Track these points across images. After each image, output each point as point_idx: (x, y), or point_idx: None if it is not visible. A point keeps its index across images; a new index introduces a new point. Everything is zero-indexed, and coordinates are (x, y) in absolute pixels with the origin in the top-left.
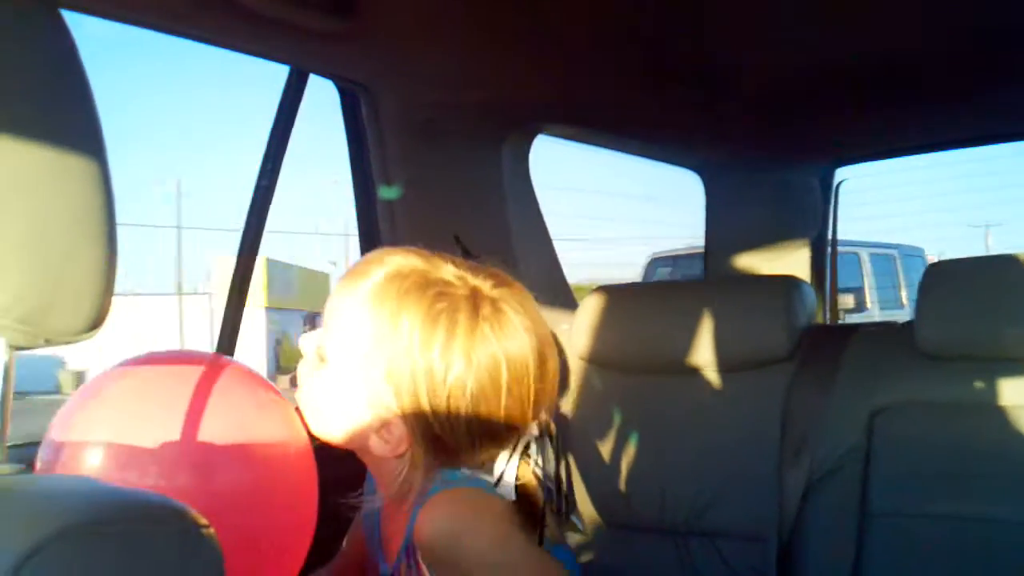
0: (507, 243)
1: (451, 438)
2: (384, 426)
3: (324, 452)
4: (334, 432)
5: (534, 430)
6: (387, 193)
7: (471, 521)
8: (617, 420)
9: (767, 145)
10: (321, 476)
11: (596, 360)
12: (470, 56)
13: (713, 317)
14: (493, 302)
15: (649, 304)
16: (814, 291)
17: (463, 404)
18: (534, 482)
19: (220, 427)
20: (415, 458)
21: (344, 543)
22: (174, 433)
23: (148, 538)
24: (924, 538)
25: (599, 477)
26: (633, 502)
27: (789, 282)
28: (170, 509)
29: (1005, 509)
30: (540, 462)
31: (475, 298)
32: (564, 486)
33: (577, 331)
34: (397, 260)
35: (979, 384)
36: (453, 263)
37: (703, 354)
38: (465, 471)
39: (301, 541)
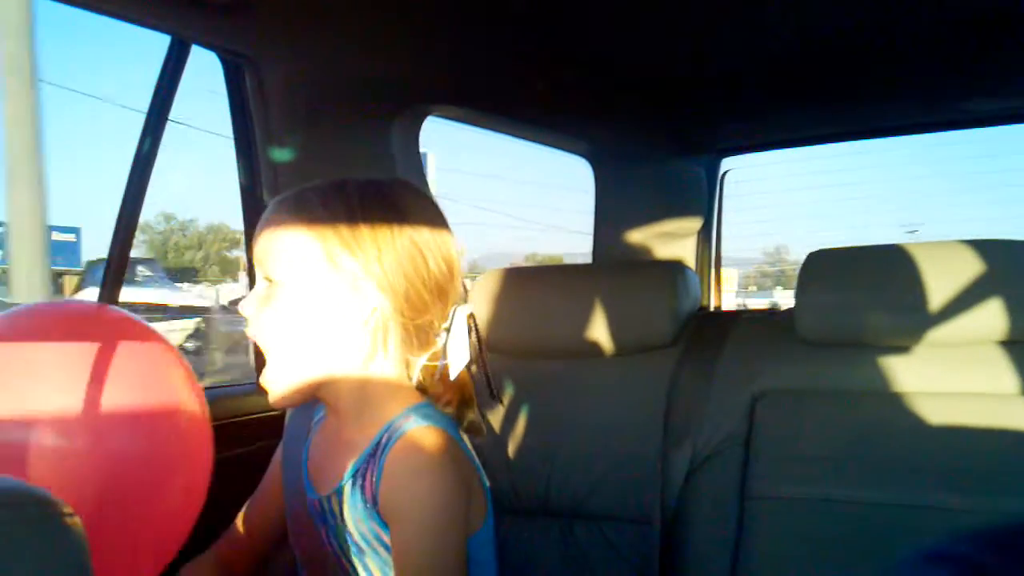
0: None
1: (412, 291)
2: (354, 298)
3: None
4: (302, 363)
5: (463, 308)
6: (279, 156)
7: (438, 469)
8: (504, 404)
9: (655, 133)
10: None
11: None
12: (358, 33)
13: (599, 302)
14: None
15: (536, 288)
16: (699, 277)
17: (412, 255)
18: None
19: (114, 382)
20: (384, 325)
21: (236, 521)
22: (67, 390)
23: (5, 525)
24: (803, 521)
25: (484, 462)
26: (519, 487)
27: (674, 268)
28: (29, 495)
29: (881, 493)
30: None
31: (374, 183)
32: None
33: None
34: (289, 192)
35: (857, 371)
36: None
37: (589, 338)
38: (434, 415)
39: (196, 493)
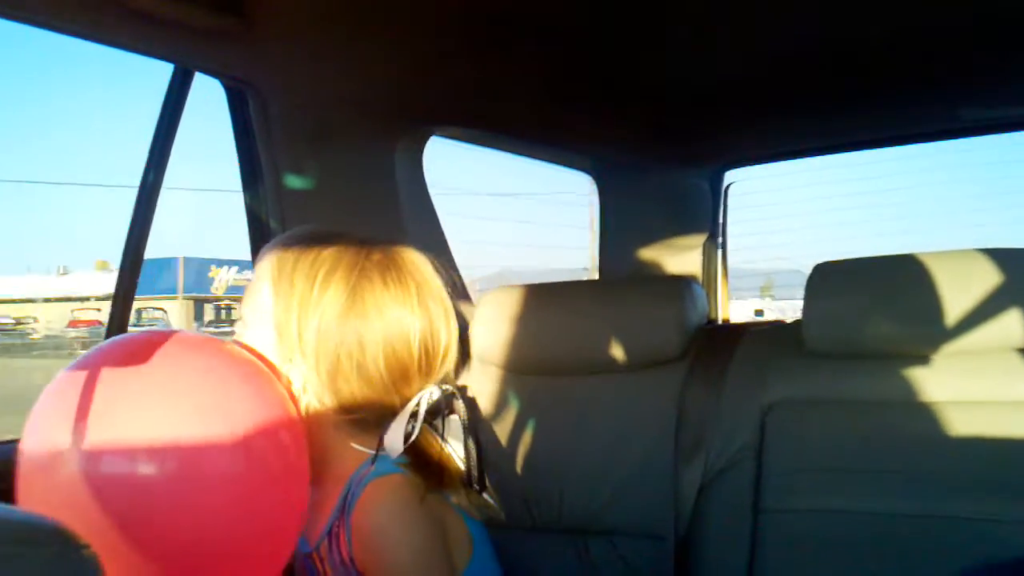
0: (402, 244)
1: (343, 383)
2: (291, 366)
3: None
4: None
5: (434, 394)
6: (293, 183)
7: (403, 513)
8: (514, 422)
9: (658, 147)
10: None
11: (493, 361)
12: (360, 57)
13: (607, 318)
14: (383, 257)
15: (544, 305)
16: (705, 291)
17: (350, 349)
18: (435, 445)
19: (210, 407)
20: (322, 413)
21: None
22: (164, 418)
23: (20, 561)
24: (816, 533)
25: (496, 480)
26: (531, 504)
27: (681, 282)
28: (45, 530)
29: (894, 503)
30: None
31: (366, 250)
32: (473, 458)
33: (475, 333)
34: (296, 230)
35: (867, 381)
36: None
37: (597, 355)
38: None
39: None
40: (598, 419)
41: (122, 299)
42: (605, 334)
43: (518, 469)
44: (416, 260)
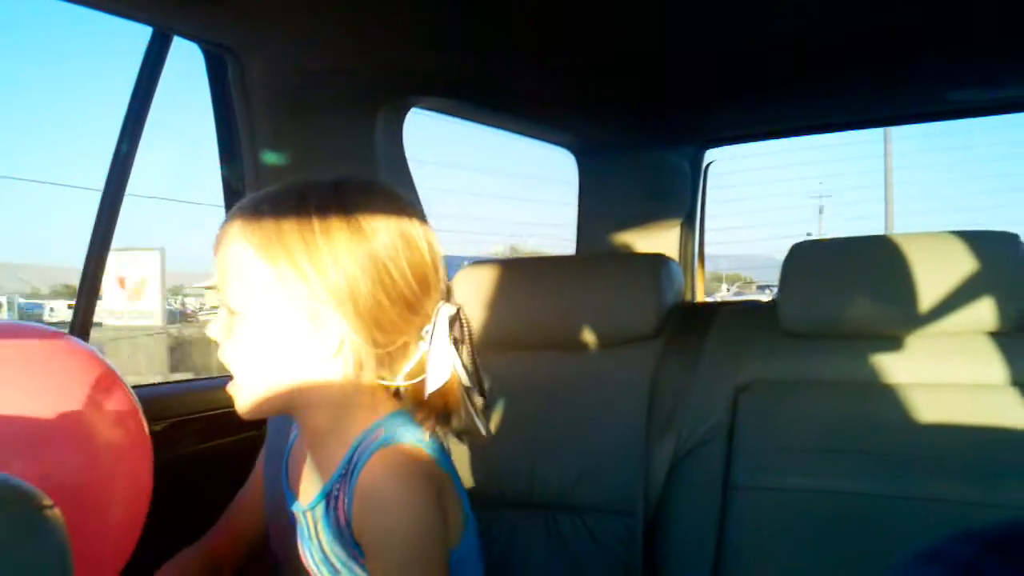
0: None
1: (381, 313)
2: (319, 331)
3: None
4: (276, 390)
5: (446, 311)
6: (270, 151)
7: (408, 491)
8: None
9: (638, 124)
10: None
11: None
12: (341, 24)
13: (582, 294)
14: (348, 182)
15: (519, 281)
16: (682, 269)
17: (375, 272)
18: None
19: (52, 408)
20: (356, 355)
21: (223, 518)
22: (7, 412)
23: None
24: (785, 512)
25: (469, 455)
26: (503, 479)
27: (657, 260)
28: (9, 488)
29: (864, 483)
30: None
31: (338, 189)
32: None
33: None
34: (247, 198)
35: (840, 362)
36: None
37: (571, 331)
38: (397, 421)
39: (134, 524)
40: (571, 396)
41: (92, 270)
42: (580, 311)
43: (490, 445)
44: (373, 182)
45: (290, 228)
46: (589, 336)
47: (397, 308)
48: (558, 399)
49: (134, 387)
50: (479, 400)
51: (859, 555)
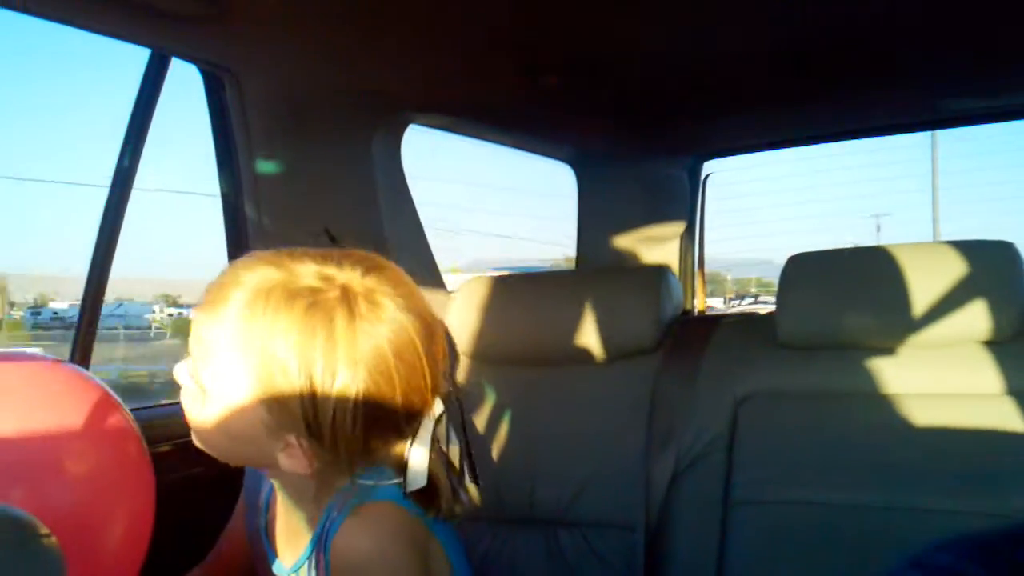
0: (379, 233)
1: (359, 442)
2: (287, 447)
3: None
4: (241, 460)
5: (438, 407)
6: (264, 168)
7: (387, 549)
8: (487, 413)
9: (636, 137)
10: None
11: (467, 352)
12: (338, 43)
13: (582, 308)
14: (367, 294)
15: (519, 296)
16: (680, 282)
17: (360, 408)
18: (436, 465)
19: (51, 435)
20: (325, 474)
21: (219, 542)
22: (2, 442)
23: None
24: (786, 524)
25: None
26: (503, 494)
27: (657, 272)
28: (6, 518)
29: (865, 495)
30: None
31: (347, 297)
32: (465, 457)
33: (449, 323)
34: (254, 276)
35: (839, 373)
36: (313, 260)
37: (572, 345)
38: (374, 477)
39: (137, 548)
40: (571, 410)
41: (95, 287)
42: (580, 325)
43: (490, 461)
44: (396, 282)
45: (273, 324)
46: (589, 350)
47: (372, 437)
48: (558, 413)
49: (132, 409)
50: (471, 485)
51: (859, 567)
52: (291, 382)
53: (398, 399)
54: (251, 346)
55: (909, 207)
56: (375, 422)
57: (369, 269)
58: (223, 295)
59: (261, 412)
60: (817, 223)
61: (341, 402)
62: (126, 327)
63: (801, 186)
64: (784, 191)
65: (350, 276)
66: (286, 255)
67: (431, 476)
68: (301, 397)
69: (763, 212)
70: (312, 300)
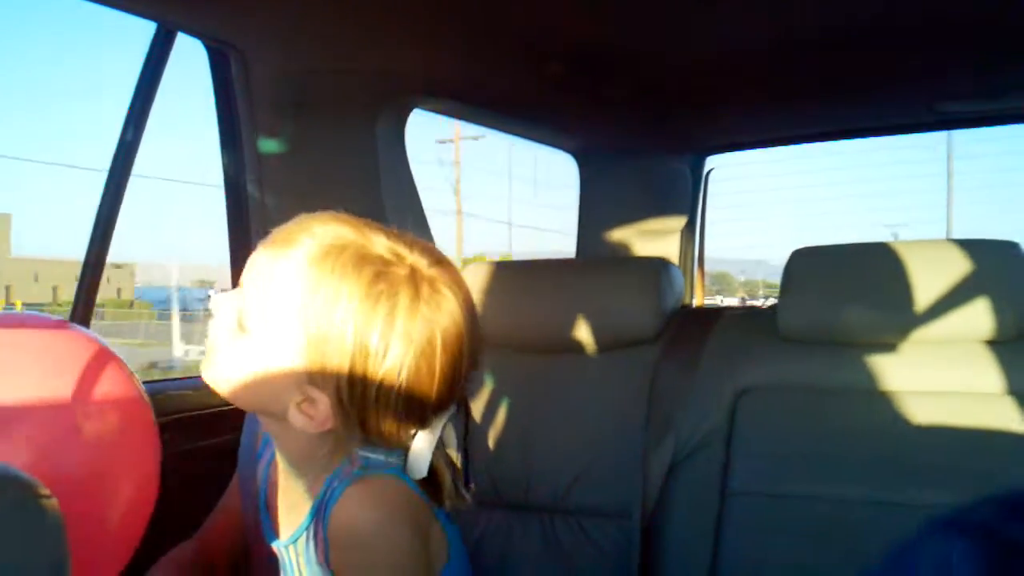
0: (380, 216)
1: (379, 419)
2: (309, 402)
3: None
4: (251, 404)
5: (439, 422)
6: (267, 147)
7: (386, 523)
8: (485, 399)
9: (640, 130)
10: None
11: None
12: (344, 24)
13: (583, 297)
14: (431, 282)
15: (519, 283)
16: (682, 274)
17: (397, 386)
18: (439, 459)
19: (60, 396)
20: (339, 438)
21: (214, 514)
22: (11, 401)
23: None
24: (783, 517)
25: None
26: (499, 481)
27: (658, 264)
28: (7, 477)
29: (861, 490)
30: (445, 437)
31: (414, 278)
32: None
33: None
34: (329, 231)
35: (839, 369)
36: (384, 234)
37: (572, 334)
38: (379, 453)
39: (140, 516)
40: (569, 398)
41: (94, 261)
42: (580, 313)
43: (487, 446)
44: (457, 280)
45: (352, 302)
46: (589, 339)
47: (394, 419)
48: (557, 402)
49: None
50: (466, 490)
51: (855, 560)
52: (342, 344)
53: (434, 388)
54: (312, 297)
55: (925, 208)
56: (408, 404)
57: (435, 260)
58: (292, 239)
59: (297, 361)
60: (834, 233)
61: (387, 377)
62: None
63: (823, 195)
64: (805, 190)
65: (418, 259)
66: (361, 221)
67: (434, 469)
68: (348, 360)
69: (779, 216)
70: (381, 270)
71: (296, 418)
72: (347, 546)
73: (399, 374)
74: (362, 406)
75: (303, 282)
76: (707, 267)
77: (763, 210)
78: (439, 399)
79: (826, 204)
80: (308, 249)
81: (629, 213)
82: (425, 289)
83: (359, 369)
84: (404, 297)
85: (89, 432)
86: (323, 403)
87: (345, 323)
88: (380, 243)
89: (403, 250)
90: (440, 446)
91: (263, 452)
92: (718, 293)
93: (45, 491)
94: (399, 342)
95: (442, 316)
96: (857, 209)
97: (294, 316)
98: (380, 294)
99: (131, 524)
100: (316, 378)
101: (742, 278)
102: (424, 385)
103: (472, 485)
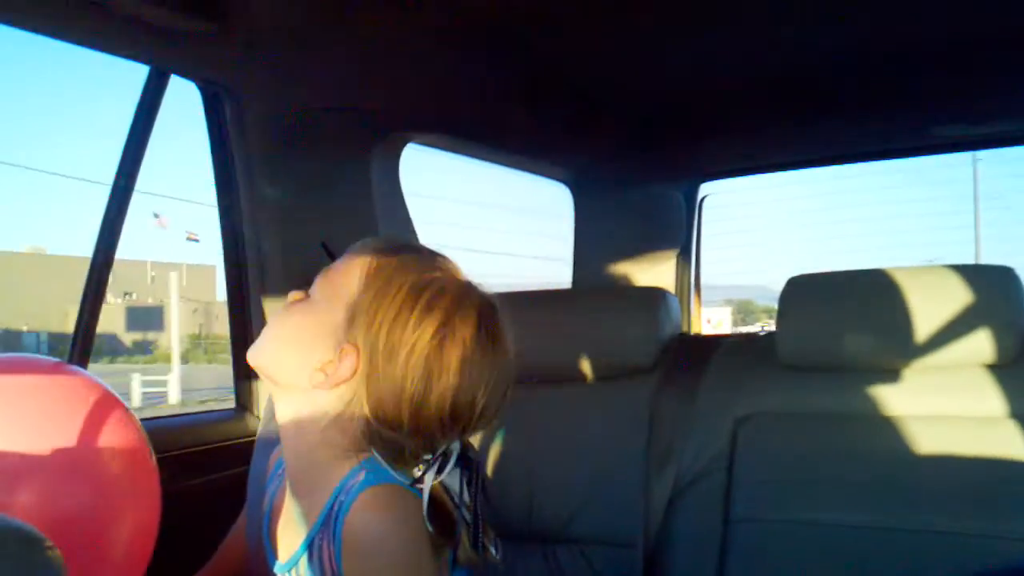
0: None
1: (422, 434)
2: (334, 362)
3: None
4: (284, 364)
5: (455, 448)
6: (267, 187)
7: (403, 527)
8: (486, 429)
9: (633, 159)
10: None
11: None
12: (337, 62)
13: (580, 327)
14: (494, 325)
15: (517, 313)
16: (679, 302)
17: (447, 410)
18: (444, 497)
19: (60, 441)
20: (356, 427)
21: (220, 548)
22: (12, 447)
23: None
24: (785, 544)
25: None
26: (502, 510)
27: (655, 293)
28: (10, 530)
29: (863, 516)
30: (455, 484)
31: (483, 317)
32: (478, 513)
33: None
34: (417, 262)
35: (839, 394)
36: (458, 271)
37: (570, 363)
38: (390, 467)
39: (141, 558)
40: (569, 428)
41: (90, 307)
42: (578, 343)
43: (488, 475)
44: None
45: (390, 303)
46: (587, 368)
47: (408, 415)
48: (557, 431)
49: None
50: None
51: None
52: (405, 362)
53: (473, 419)
54: (372, 279)
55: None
56: (447, 422)
57: (496, 305)
58: (370, 251)
59: (341, 316)
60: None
61: (440, 393)
62: None
63: (858, 215)
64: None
65: (484, 299)
66: (439, 255)
67: (441, 505)
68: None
69: (798, 242)
70: (458, 305)
71: (315, 377)
72: (360, 552)
73: (453, 397)
74: (387, 372)
75: (366, 266)
76: (730, 295)
77: (791, 233)
78: (455, 420)
79: (856, 226)
80: (376, 245)
81: (624, 241)
82: (488, 330)
83: (395, 338)
84: (474, 331)
85: (89, 476)
86: (349, 359)
87: (416, 342)
88: (459, 276)
89: (475, 288)
90: (448, 492)
91: (271, 480)
92: (743, 323)
93: (48, 543)
94: (460, 368)
95: (500, 359)
96: (888, 231)
97: (354, 283)
98: (456, 325)
99: (131, 567)
100: (353, 335)
101: (762, 304)
102: (467, 410)
103: (479, 545)
